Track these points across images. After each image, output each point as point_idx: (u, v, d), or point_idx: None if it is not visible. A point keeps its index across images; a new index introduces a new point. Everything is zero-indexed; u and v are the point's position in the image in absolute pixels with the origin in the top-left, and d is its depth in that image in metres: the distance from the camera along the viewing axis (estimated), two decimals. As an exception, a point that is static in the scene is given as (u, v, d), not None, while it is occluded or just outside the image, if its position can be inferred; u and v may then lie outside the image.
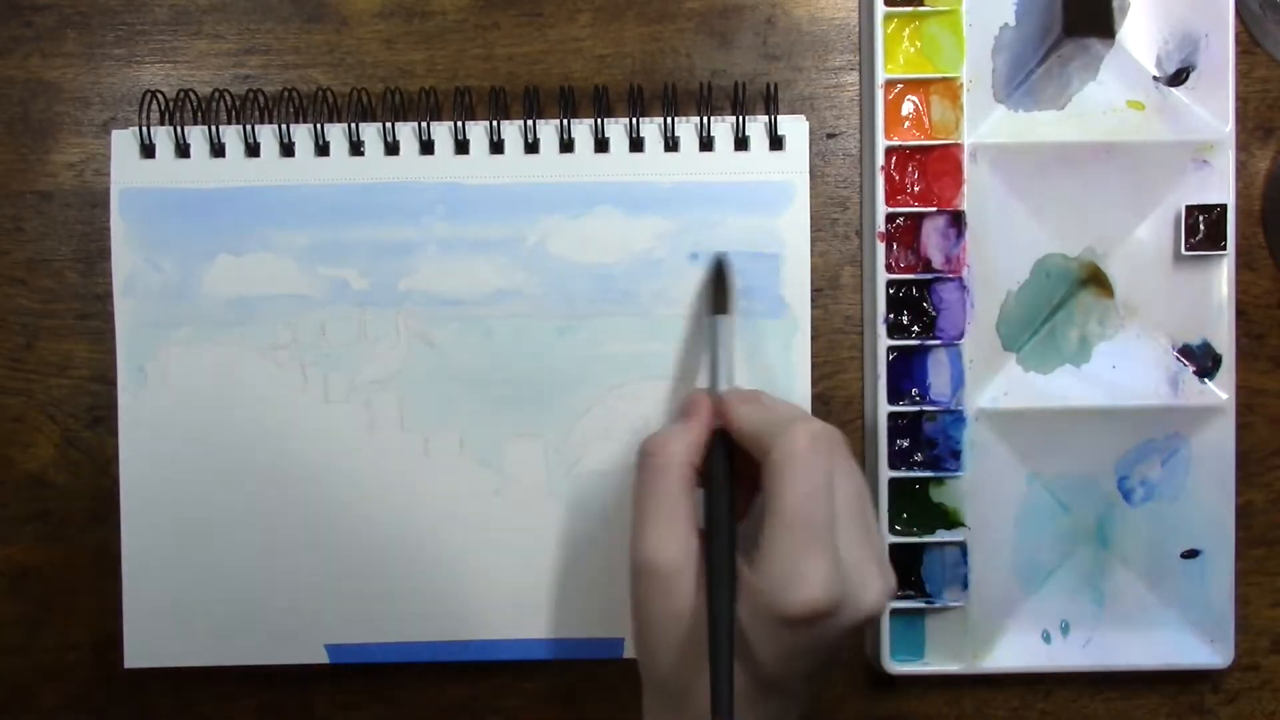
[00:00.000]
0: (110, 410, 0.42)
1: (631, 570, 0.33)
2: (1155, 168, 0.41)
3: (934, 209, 0.41)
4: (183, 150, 0.42)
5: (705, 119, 0.41)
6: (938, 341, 0.42)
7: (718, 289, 0.39)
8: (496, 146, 0.42)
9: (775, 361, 0.42)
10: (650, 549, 0.32)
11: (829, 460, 0.32)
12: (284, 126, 0.41)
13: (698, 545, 0.33)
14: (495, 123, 0.41)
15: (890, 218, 0.41)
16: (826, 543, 0.31)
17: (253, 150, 0.41)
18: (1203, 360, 0.42)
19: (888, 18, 0.41)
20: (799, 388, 0.42)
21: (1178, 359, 0.42)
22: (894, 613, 0.42)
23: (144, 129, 0.41)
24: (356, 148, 0.42)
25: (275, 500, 0.42)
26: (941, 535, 0.42)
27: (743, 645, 0.32)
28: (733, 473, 0.34)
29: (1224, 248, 0.41)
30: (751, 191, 0.42)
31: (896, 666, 0.42)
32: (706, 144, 0.41)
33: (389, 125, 0.41)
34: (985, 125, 0.41)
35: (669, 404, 0.42)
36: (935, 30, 0.41)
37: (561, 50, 0.43)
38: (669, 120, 0.41)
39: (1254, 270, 0.43)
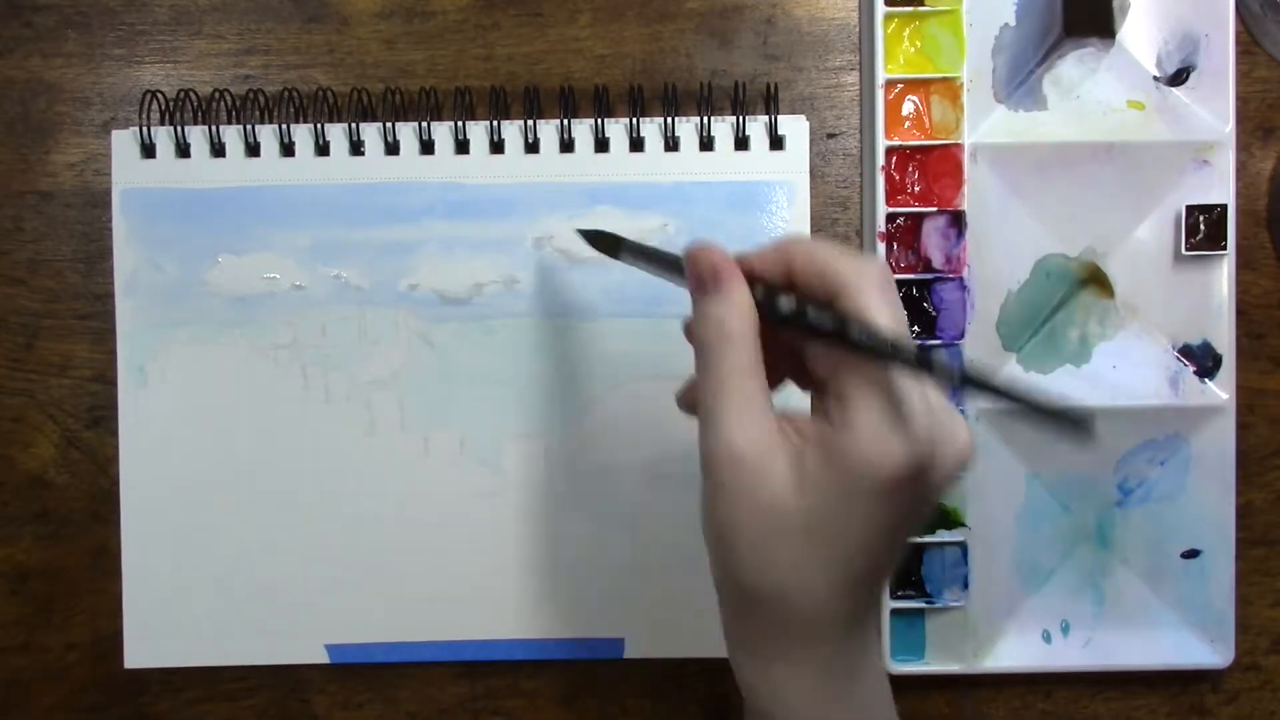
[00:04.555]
0: (110, 410, 0.42)
1: (706, 466, 0.29)
2: (1155, 168, 0.41)
3: (934, 209, 0.41)
4: (183, 150, 0.42)
5: (705, 119, 0.41)
6: (938, 341, 0.42)
7: (599, 243, 0.38)
8: (496, 146, 0.42)
9: (775, 361, 0.42)
10: (729, 435, 0.28)
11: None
12: (284, 126, 0.41)
13: (776, 428, 0.29)
14: (495, 123, 0.41)
15: (890, 218, 0.41)
16: (916, 382, 0.27)
17: (253, 150, 0.41)
18: (1203, 360, 0.42)
19: (888, 18, 0.41)
20: (799, 388, 0.42)
21: (1178, 359, 0.42)
22: (894, 613, 0.42)
23: (144, 129, 0.41)
24: (357, 148, 0.42)
25: (275, 500, 0.42)
26: (941, 535, 0.42)
27: (830, 541, 0.28)
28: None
29: (1224, 248, 0.41)
30: (752, 191, 0.42)
31: (896, 666, 0.42)
32: (707, 144, 0.41)
33: (389, 125, 0.41)
34: (985, 125, 0.41)
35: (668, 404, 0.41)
36: (935, 30, 0.41)
37: (561, 50, 0.43)
38: (669, 120, 0.41)
39: (1254, 270, 0.43)
